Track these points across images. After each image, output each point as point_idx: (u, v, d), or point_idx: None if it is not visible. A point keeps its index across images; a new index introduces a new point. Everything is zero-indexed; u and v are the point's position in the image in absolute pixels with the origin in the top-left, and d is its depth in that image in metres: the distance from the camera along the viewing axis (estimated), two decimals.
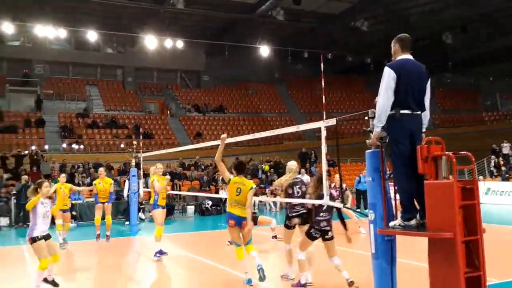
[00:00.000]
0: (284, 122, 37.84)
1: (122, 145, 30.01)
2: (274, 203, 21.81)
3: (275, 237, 12.55)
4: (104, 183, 13.07)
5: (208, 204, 20.39)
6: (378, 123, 5.24)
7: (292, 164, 8.17)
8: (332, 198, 7.24)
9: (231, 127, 36.29)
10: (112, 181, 13.48)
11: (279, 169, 25.71)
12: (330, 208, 7.22)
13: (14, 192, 18.29)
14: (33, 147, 26.29)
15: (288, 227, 8.10)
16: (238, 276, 8.23)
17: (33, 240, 7.48)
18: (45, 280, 7.77)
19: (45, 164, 24.06)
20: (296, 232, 8.08)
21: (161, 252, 10.44)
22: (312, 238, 7.30)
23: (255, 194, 8.53)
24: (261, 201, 21.01)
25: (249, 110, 39.47)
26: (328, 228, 7.24)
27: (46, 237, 7.65)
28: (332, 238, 7.30)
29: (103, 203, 13.03)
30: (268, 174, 25.07)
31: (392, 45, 5.48)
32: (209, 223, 17.99)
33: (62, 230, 12.45)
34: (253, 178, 22.88)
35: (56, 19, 29.30)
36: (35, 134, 29.79)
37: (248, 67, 39.16)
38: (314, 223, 7.29)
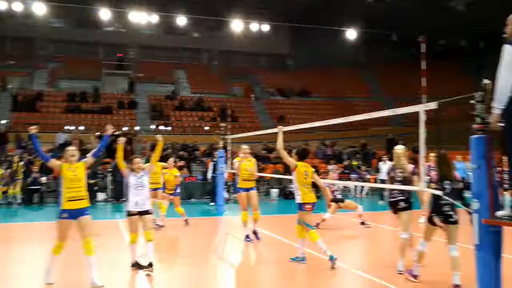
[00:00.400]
0: (369, 107, 36.88)
1: (206, 128, 30.77)
2: (360, 188, 21.47)
3: (363, 223, 12.33)
4: (170, 173, 12.59)
5: (291, 188, 20.38)
6: (498, 105, 4.89)
7: (399, 148, 7.83)
8: (431, 181, 6.93)
9: (314, 111, 35.95)
10: (178, 173, 12.88)
11: (368, 155, 25.32)
12: (453, 191, 6.69)
13: (110, 169, 19.39)
14: (125, 128, 27.65)
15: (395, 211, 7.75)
16: (316, 256, 8.19)
17: (127, 213, 7.76)
18: (138, 265, 7.71)
19: (136, 144, 25.15)
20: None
21: (249, 237, 10.34)
22: (435, 224, 6.76)
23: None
24: (345, 187, 20.69)
25: (333, 94, 38.86)
26: (451, 212, 6.70)
27: (142, 213, 7.71)
28: (456, 222, 6.66)
29: (170, 195, 12.54)
30: (352, 160, 24.59)
31: (508, 23, 5.05)
32: (293, 207, 18.01)
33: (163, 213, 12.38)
34: (337, 163, 22.56)
35: (148, 4, 30.43)
36: (127, 115, 31.36)
37: (333, 50, 38.50)
38: (435, 208, 6.80)
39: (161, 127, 30.56)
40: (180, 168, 19.32)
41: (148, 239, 7.59)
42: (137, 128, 29.31)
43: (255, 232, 10.46)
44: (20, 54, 36.29)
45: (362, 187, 21.49)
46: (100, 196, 19.01)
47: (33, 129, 6.73)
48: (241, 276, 7.71)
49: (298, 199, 8.29)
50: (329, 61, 40.07)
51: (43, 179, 18.39)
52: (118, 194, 18.22)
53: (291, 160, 8.35)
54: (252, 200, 10.32)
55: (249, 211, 10.41)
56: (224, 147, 15.79)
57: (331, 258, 7.84)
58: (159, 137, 8.28)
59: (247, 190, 10.30)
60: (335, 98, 38.23)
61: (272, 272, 8.16)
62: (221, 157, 15.09)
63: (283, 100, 37.05)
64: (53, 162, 6.81)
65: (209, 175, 18.33)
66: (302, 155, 8.50)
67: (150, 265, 7.51)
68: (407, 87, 37.97)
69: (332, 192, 12.37)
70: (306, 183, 8.22)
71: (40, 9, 29.37)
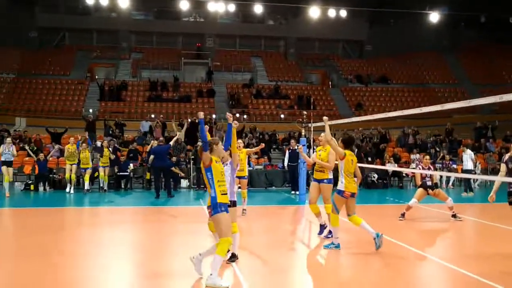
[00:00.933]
0: (453, 94, 35.17)
1: (282, 115, 30.67)
2: (446, 179, 20.57)
3: (454, 216, 11.72)
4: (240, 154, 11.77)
5: (374, 177, 19.89)
6: None
7: None
8: None
9: (394, 99, 34.85)
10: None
11: (453, 143, 24.20)
12: None
13: (192, 156, 19.83)
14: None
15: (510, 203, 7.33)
16: (407, 248, 7.86)
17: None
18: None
19: (216, 132, 25.56)
20: None
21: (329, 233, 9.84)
22: None
23: None
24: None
25: (414, 81, 37.38)
26: None
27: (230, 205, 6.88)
28: None
29: (239, 177, 11.20)
30: (437, 149, 23.55)
31: None
32: (375, 197, 17.58)
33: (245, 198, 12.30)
34: (422, 152, 21.69)
35: None
36: (206, 103, 31.96)
37: (414, 35, 37.01)
38: None
39: (237, 115, 30.86)
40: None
41: (233, 231, 6.88)
42: (214, 116, 29.76)
43: (322, 226, 9.99)
44: (105, 46, 38.03)
45: (449, 177, 20.53)
46: (184, 183, 19.51)
47: (201, 115, 6.61)
48: (325, 264, 7.57)
49: (341, 186, 8.17)
50: (409, 46, 38.58)
51: (131, 166, 19.13)
52: (201, 181, 18.62)
53: (339, 150, 8.19)
54: (323, 192, 9.47)
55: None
56: (305, 136, 15.61)
57: (377, 236, 8.01)
58: (234, 121, 7.87)
59: (318, 181, 9.44)
60: (416, 85, 36.76)
61: (355, 262, 7.92)
62: (303, 145, 14.90)
63: (361, 87, 36.16)
64: (207, 154, 6.26)
65: (286, 163, 18.24)
66: (348, 143, 8.39)
67: (233, 256, 7.23)
68: (494, 72, 35.84)
69: (423, 178, 11.85)
70: (351, 172, 8.16)
71: (123, 2, 30.54)
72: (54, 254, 7.89)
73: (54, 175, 19.01)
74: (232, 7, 31.75)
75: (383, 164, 20.25)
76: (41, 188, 18.37)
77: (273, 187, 19.60)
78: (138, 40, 39.74)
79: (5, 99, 30.37)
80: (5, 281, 6.48)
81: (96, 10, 36.80)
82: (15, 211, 13.77)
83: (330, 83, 37.85)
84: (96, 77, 35.64)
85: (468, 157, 17.65)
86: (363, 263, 7.83)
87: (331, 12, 32.31)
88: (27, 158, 20.86)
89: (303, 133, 15.46)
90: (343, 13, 32.96)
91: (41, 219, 11.89)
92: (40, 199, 16.65)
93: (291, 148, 17.72)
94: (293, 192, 17.58)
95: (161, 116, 27.52)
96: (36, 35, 37.29)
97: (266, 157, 21.18)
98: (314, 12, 31.73)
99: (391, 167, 19.16)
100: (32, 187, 18.32)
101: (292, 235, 10.36)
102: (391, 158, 20.71)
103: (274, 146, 23.97)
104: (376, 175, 19.93)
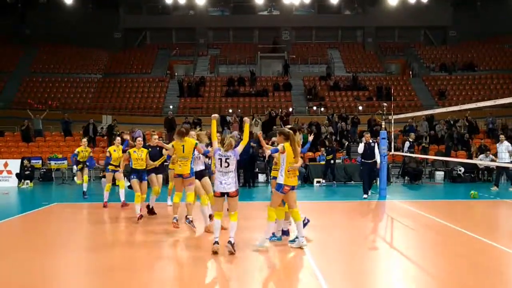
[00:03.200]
0: None
1: (360, 107, 29.81)
2: None
3: None
4: None
5: (460, 170, 18.77)
6: None
7: None
8: None
9: (482, 87, 32.76)
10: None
11: None
12: None
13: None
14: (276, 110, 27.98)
15: None
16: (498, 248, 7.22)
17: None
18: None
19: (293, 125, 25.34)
20: None
21: None
22: None
23: None
24: None
25: (504, 67, 34.90)
26: None
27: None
28: None
29: None
30: None
31: None
32: (461, 191, 16.58)
33: None
34: None
35: None
36: (283, 97, 31.82)
37: (504, 17, 34.53)
38: None
39: (315, 107, 30.47)
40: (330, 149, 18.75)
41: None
42: (290, 109, 29.52)
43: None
44: (184, 44, 39.00)
45: None
46: (261, 177, 19.49)
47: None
48: (409, 263, 7.14)
49: (281, 180, 7.65)
50: (499, 29, 36.05)
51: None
52: None
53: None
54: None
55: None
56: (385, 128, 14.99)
57: (277, 239, 8.25)
58: (246, 119, 7.90)
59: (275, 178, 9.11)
60: (506, 71, 34.28)
61: (445, 261, 7.39)
62: (383, 138, 14.33)
63: (444, 76, 34.35)
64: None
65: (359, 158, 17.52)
66: (286, 136, 7.68)
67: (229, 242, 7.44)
68: None
69: None
70: (292, 165, 7.70)
71: (200, 0, 31.10)
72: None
73: None
74: None
75: (469, 156, 19.03)
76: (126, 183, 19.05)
77: (352, 182, 19.07)
78: (215, 36, 40.38)
79: (93, 98, 32.05)
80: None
81: (175, 9, 37.81)
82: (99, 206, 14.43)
83: (411, 72, 36.32)
84: (176, 74, 36.66)
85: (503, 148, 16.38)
86: (448, 261, 7.31)
87: None
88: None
89: (383, 126, 14.85)
90: None
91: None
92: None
93: (366, 142, 14.48)
94: (365, 196, 14.50)
95: (238, 110, 27.78)
96: (120, 36, 39.01)
97: (344, 151, 20.62)
98: None
99: (485, 160, 17.72)
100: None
101: (373, 232, 9.95)
102: (488, 152, 18.71)
103: (353, 139, 23.27)
104: (462, 168, 18.79)
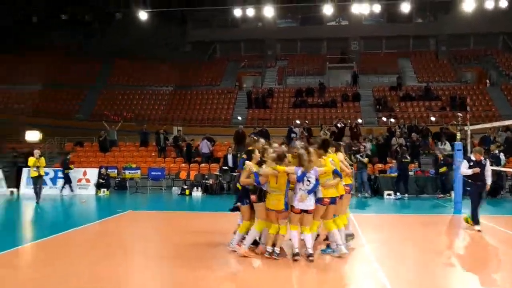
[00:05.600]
0: None
1: (432, 118, 28.72)
2: None
3: None
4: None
5: None
6: None
7: None
8: None
9: None
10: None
11: None
12: None
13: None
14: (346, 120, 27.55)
15: None
16: None
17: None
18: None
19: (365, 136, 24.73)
20: None
21: None
22: None
23: None
24: None
25: None
26: None
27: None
28: None
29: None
30: None
31: None
32: None
33: None
34: None
35: None
36: (351, 107, 31.35)
37: None
38: None
39: (384, 118, 29.73)
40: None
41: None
42: (359, 120, 28.96)
43: None
44: (252, 56, 39.52)
45: None
46: None
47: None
48: (486, 281, 6.73)
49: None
50: None
51: None
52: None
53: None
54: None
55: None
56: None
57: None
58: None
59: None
60: None
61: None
62: (459, 150, 13.69)
63: None
64: None
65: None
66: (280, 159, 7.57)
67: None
68: None
69: None
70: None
71: (269, 12, 31.39)
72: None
73: (206, 181, 20.07)
74: (377, 8, 30.76)
75: None
76: (195, 193, 19.46)
77: (425, 194, 18.36)
78: (283, 47, 40.59)
79: (165, 109, 33.15)
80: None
81: (243, 22, 38.42)
82: (172, 214, 14.81)
83: (488, 81, 34.58)
84: (244, 85, 37.16)
85: None
86: None
87: (489, 4, 29.55)
88: (183, 165, 22.43)
89: (458, 137, 14.20)
90: (503, 3, 29.93)
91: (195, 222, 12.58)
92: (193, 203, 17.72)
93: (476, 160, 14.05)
94: (477, 227, 11.52)
95: (306, 122, 27.65)
96: (191, 49, 40.16)
97: (416, 163, 19.92)
98: (468, 5, 29.33)
99: None
100: (187, 192, 19.54)
101: (448, 248, 9.50)
102: None
103: (425, 152, 22.36)
104: None
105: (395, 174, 18.59)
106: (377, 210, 15.23)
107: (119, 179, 21.36)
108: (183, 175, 21.41)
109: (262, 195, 7.68)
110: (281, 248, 7.79)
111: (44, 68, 36.14)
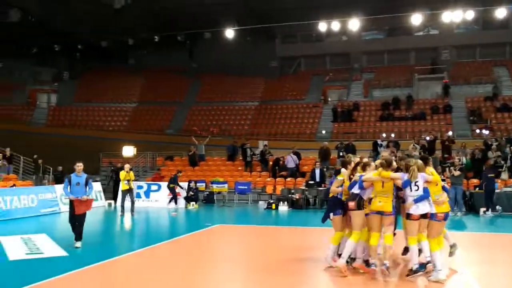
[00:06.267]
0: None
1: None
2: None
3: None
4: None
5: None
6: None
7: None
8: None
9: None
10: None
11: None
12: None
13: None
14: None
15: None
16: None
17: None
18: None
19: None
20: None
21: None
22: None
23: None
24: None
25: None
26: None
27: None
28: None
29: None
30: None
31: None
32: None
33: None
34: None
35: (463, 1, 28.58)
36: (442, 120, 30.00)
37: None
38: None
39: (482, 130, 28.07)
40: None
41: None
42: (450, 133, 27.57)
43: None
44: (337, 69, 39.18)
45: None
46: None
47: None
48: None
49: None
50: None
51: None
52: None
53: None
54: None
55: None
56: None
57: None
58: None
59: None
60: None
61: None
62: None
63: None
64: None
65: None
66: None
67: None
68: None
69: None
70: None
71: (354, 25, 31.03)
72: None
73: (292, 195, 20.05)
74: (470, 15, 29.34)
75: None
76: (281, 208, 19.49)
77: None
78: (369, 60, 39.85)
79: (251, 124, 33.72)
80: None
81: (328, 36, 38.23)
82: (259, 229, 14.95)
83: None
84: (329, 99, 36.89)
85: None
86: None
87: None
88: (269, 179, 22.62)
89: None
90: None
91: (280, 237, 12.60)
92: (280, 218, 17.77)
93: None
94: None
95: (392, 135, 26.85)
96: (276, 65, 40.63)
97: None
98: None
99: None
100: (273, 206, 19.62)
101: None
102: None
103: None
104: None
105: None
106: (472, 228, 14.36)
107: (207, 192, 21.95)
108: (269, 189, 21.58)
109: (361, 203, 7.53)
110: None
111: (138, 87, 38.49)
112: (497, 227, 14.75)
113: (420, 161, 7.61)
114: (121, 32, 33.81)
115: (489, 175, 17.23)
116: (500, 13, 28.57)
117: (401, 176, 7.35)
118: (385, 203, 7.35)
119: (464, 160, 20.37)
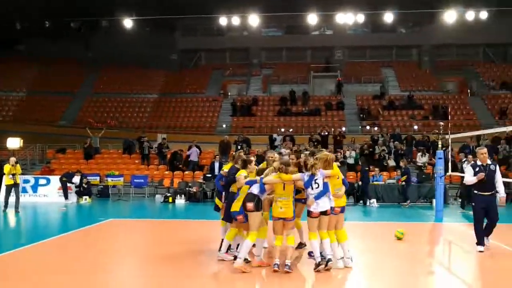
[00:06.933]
0: None
1: (415, 127, 29.01)
2: None
3: None
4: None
5: None
6: None
7: None
8: None
9: None
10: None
11: None
12: None
13: None
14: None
15: None
16: None
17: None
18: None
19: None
20: None
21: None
22: None
23: None
24: None
25: None
26: None
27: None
28: None
29: None
30: None
31: None
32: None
33: None
34: None
35: (354, 4, 30.16)
36: (335, 116, 31.56)
37: None
38: None
39: (368, 127, 29.97)
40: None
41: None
42: (343, 129, 29.05)
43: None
44: (237, 64, 39.62)
45: None
46: None
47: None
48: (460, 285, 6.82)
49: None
50: None
51: None
52: None
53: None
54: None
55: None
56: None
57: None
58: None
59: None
60: None
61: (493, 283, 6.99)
62: (440, 158, 13.87)
63: (505, 94, 33.00)
64: None
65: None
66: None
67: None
68: None
69: None
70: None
71: (254, 21, 31.54)
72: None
73: (190, 188, 19.98)
74: (361, 18, 31.12)
75: None
76: (178, 201, 19.36)
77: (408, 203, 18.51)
78: (268, 56, 40.77)
79: (149, 117, 33.01)
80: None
81: (229, 30, 38.53)
82: (155, 222, 14.73)
83: (469, 91, 35.08)
84: (229, 93, 37.23)
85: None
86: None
87: (470, 15, 30.15)
88: (166, 172, 22.34)
89: (439, 146, 14.36)
90: (484, 14, 30.55)
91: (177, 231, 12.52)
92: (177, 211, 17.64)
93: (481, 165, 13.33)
94: (480, 248, 9.62)
95: (290, 130, 27.76)
96: (176, 57, 40.12)
97: (399, 171, 20.07)
98: (450, 16, 29.92)
99: None
100: (170, 199, 19.43)
101: (429, 256, 9.58)
102: None
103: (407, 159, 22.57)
104: None
105: (377, 182, 18.96)
106: (359, 218, 15.28)
107: (102, 186, 21.16)
108: (166, 182, 21.31)
109: (259, 204, 7.52)
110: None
111: (29, 75, 35.96)
112: (382, 216, 15.84)
113: (332, 155, 7.84)
114: (9, 15, 31.38)
115: (365, 168, 18.63)
116: (388, 17, 30.66)
117: (302, 177, 7.43)
118: (286, 209, 7.38)
119: (353, 154, 21.70)
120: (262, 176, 7.59)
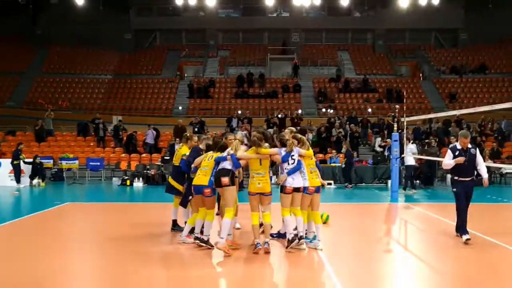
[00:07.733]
0: None
1: (370, 110, 29.69)
2: None
3: None
4: None
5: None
6: None
7: None
8: None
9: (493, 89, 32.57)
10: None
11: None
12: None
13: None
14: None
15: None
16: None
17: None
18: None
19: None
20: None
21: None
22: None
23: None
24: None
25: None
26: None
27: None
28: None
29: None
30: None
31: None
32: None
33: None
34: None
35: None
36: (292, 98, 31.78)
37: None
38: None
39: (324, 109, 30.39)
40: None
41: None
42: (299, 111, 29.34)
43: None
44: (194, 45, 39.08)
45: None
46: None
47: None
48: (421, 265, 7.10)
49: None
50: (509, 32, 35.79)
51: None
52: None
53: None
54: None
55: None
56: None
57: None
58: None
59: None
60: None
61: (457, 263, 7.34)
62: (395, 140, 14.26)
63: (455, 79, 34.16)
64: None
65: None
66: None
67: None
68: None
69: None
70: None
71: (211, 1, 31.16)
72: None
73: (148, 171, 19.74)
74: (317, 1, 31.32)
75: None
76: (136, 184, 19.09)
77: (363, 184, 19.01)
78: (224, 37, 40.42)
79: (103, 98, 32.18)
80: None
81: (185, 10, 37.92)
82: (112, 206, 14.49)
83: (421, 75, 36.13)
84: (185, 75, 36.75)
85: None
86: (447, 259, 7.26)
87: (423, 1, 30.90)
88: (123, 155, 21.94)
89: (394, 128, 14.76)
90: (436, 0, 31.37)
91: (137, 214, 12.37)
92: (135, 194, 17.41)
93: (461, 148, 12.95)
94: (466, 237, 9.58)
95: (247, 112, 27.77)
96: (131, 37, 39.15)
97: (355, 153, 20.54)
98: (404, 1, 30.57)
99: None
100: (128, 182, 19.13)
101: (386, 235, 9.90)
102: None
103: (364, 141, 23.17)
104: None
105: (334, 164, 19.36)
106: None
107: (56, 169, 20.57)
108: (123, 165, 20.96)
109: (233, 179, 7.54)
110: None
111: None
112: (340, 198, 16.19)
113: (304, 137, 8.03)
114: None
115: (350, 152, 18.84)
116: (344, 1, 31.05)
117: (279, 152, 7.56)
118: (264, 184, 7.44)
119: (310, 136, 21.97)
120: (232, 151, 7.56)
